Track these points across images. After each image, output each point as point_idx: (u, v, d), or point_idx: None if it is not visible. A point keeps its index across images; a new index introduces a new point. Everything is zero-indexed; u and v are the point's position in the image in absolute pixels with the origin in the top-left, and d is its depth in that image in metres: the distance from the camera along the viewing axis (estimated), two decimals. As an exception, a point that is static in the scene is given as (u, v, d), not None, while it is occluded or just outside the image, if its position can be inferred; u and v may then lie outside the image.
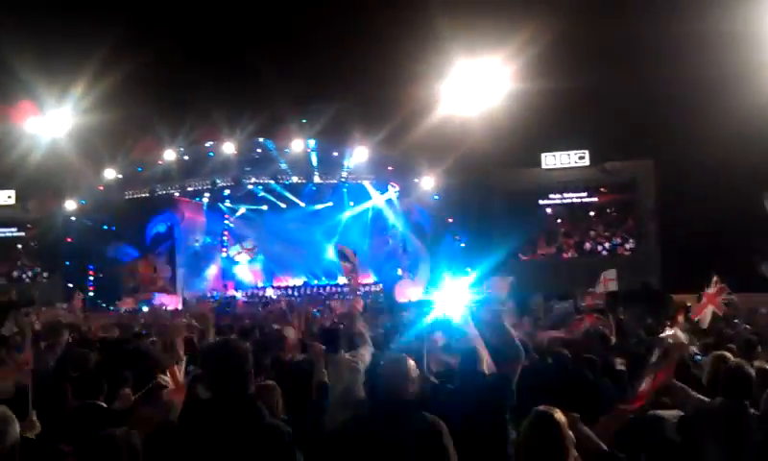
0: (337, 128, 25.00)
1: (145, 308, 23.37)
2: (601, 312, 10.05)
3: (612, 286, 11.99)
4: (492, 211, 27.68)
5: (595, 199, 28.24)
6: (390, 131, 23.67)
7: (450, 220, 27.96)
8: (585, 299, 14.21)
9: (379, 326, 10.81)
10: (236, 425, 2.58)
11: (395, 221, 29.88)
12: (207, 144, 27.76)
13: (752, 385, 4.38)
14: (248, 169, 29.37)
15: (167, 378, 4.67)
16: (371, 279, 30.26)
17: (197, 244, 30.82)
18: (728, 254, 17.84)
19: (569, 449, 3.14)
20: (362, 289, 10.52)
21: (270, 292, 29.52)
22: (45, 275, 29.32)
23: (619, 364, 6.80)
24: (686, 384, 4.69)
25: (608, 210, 28.21)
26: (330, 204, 30.58)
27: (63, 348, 6.67)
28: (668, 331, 7.46)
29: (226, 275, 31.47)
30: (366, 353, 6.16)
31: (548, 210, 28.78)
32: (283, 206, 30.55)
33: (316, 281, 29.90)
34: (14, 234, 30.30)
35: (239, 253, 31.71)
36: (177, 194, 29.90)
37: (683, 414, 4.55)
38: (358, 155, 27.34)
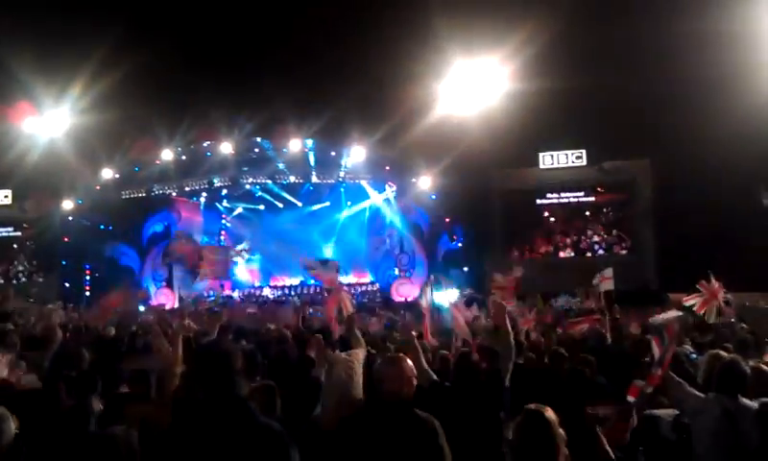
0: (334, 127, 25.00)
1: (142, 308, 23.30)
2: (601, 313, 10.07)
3: (609, 285, 11.98)
4: (489, 211, 27.69)
5: (592, 198, 28.26)
6: (387, 130, 23.69)
7: (447, 220, 27.98)
8: (584, 298, 14.27)
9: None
10: (228, 426, 2.57)
11: (392, 219, 29.92)
12: (205, 144, 27.78)
13: (746, 381, 4.40)
14: (245, 169, 29.41)
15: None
16: (367, 278, 30.31)
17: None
18: (725, 254, 17.85)
19: (560, 447, 3.16)
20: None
21: (267, 292, 29.52)
22: (42, 274, 29.25)
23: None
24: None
25: (605, 210, 28.23)
26: (327, 203, 30.60)
27: (58, 347, 6.66)
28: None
29: (223, 274, 31.43)
30: (361, 353, 6.17)
31: (545, 210, 28.79)
32: (280, 205, 30.55)
33: (313, 281, 29.89)
34: (11, 234, 30.25)
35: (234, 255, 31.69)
36: (174, 194, 29.91)
37: (678, 413, 4.56)
38: (355, 154, 27.36)
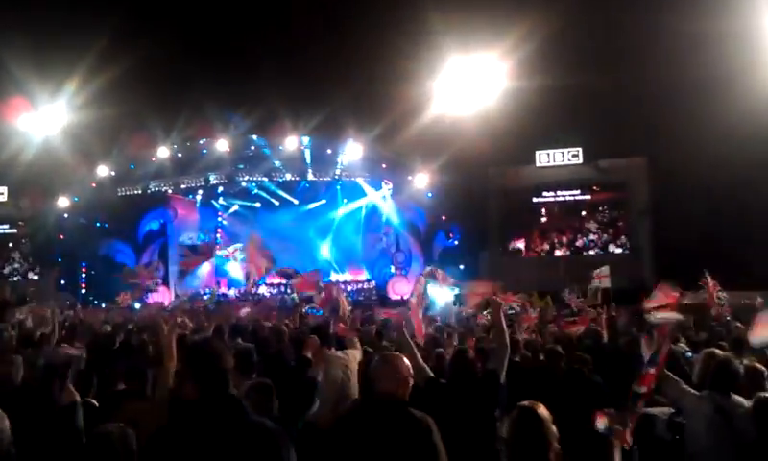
0: (331, 125, 24.97)
1: (138, 306, 23.30)
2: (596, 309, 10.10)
3: (606, 283, 11.99)
4: (485, 209, 27.71)
5: (588, 197, 28.30)
6: (384, 128, 23.69)
7: (444, 217, 28.01)
8: (570, 300, 14.31)
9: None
10: (217, 424, 2.56)
11: (388, 215, 29.94)
12: (201, 141, 27.75)
13: (738, 379, 4.43)
14: (241, 166, 29.40)
15: None
16: (363, 275, 30.32)
17: (190, 241, 30.75)
18: (720, 253, 17.88)
19: (552, 444, 3.19)
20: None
21: (263, 289, 29.50)
22: (37, 272, 29.20)
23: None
24: (677, 381, 4.71)
25: (601, 208, 28.27)
26: (324, 201, 30.60)
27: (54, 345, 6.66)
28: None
29: (218, 272, 31.42)
30: (356, 352, 6.19)
31: (542, 208, 28.83)
32: (277, 203, 30.56)
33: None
34: (6, 231, 30.17)
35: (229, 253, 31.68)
36: (170, 191, 29.87)
37: (673, 411, 4.57)
38: (352, 152, 27.34)
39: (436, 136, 23.00)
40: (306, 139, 27.27)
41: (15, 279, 28.69)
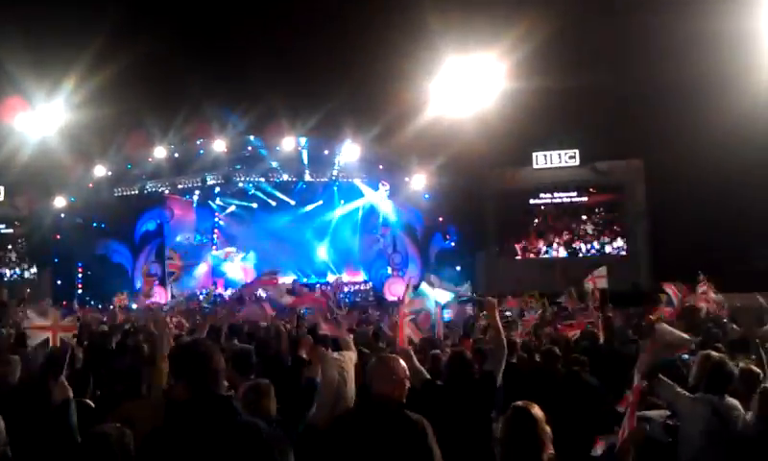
0: (328, 126, 24.96)
1: (134, 306, 23.22)
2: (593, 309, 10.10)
3: (603, 283, 12.01)
4: (482, 210, 27.73)
5: (585, 199, 28.34)
6: (381, 129, 23.70)
7: (441, 219, 28.02)
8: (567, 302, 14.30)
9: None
10: (208, 425, 2.56)
11: (386, 217, 29.93)
12: (198, 142, 27.71)
13: (732, 381, 4.45)
14: (238, 167, 29.35)
15: None
16: (360, 277, 30.31)
17: (187, 241, 30.70)
18: (717, 255, 17.93)
19: (546, 444, 3.19)
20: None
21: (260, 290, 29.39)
22: (34, 272, 29.12)
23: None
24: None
25: (597, 210, 28.32)
26: (321, 202, 30.56)
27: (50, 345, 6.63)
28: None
29: (215, 272, 31.37)
30: (352, 354, 6.18)
31: (538, 210, 28.86)
32: (274, 204, 30.50)
33: (306, 279, 29.83)
34: (3, 231, 30.05)
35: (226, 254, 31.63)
36: (167, 191, 29.81)
37: (669, 413, 4.59)
38: (349, 153, 27.34)
39: (433, 138, 23.00)
40: (303, 140, 27.25)
41: (12, 278, 28.62)
